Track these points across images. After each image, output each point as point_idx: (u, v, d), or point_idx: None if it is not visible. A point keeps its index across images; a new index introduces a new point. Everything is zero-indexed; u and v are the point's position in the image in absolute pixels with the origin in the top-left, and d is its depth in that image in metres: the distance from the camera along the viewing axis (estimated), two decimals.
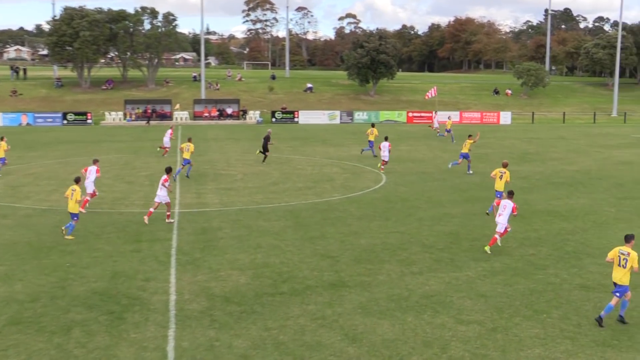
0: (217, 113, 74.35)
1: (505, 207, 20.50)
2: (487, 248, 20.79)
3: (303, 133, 61.45)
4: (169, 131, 44.41)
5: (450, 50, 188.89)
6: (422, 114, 77.82)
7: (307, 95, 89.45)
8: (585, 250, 21.26)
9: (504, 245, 21.62)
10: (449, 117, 60.23)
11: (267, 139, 40.38)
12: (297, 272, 18.57)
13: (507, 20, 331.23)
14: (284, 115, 74.88)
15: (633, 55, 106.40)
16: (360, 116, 76.38)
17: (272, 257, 20.05)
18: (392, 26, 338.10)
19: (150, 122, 70.74)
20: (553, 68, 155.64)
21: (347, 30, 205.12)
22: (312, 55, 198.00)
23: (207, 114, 74.11)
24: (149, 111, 72.30)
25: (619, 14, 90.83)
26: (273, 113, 75.10)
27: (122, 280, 17.73)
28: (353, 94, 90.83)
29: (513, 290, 17.21)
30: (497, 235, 20.83)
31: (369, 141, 44.03)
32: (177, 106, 73.59)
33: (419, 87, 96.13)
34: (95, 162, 27.72)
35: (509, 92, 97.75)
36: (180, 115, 73.40)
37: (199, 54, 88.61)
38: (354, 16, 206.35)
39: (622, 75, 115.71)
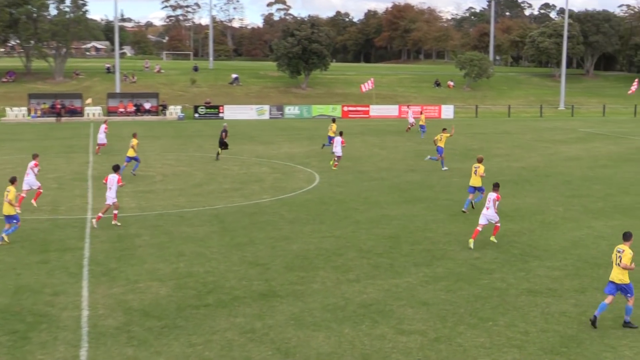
0: (134, 108, 73.32)
1: (491, 200, 22.07)
2: (471, 241, 22.04)
3: (229, 130, 61.09)
4: (103, 126, 44.62)
5: (388, 39, 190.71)
6: (358, 108, 78.43)
7: (233, 89, 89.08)
8: (532, 252, 21.76)
9: (447, 248, 21.97)
10: (421, 112, 61.06)
11: (225, 133, 41.67)
12: (224, 281, 18.47)
13: (449, 7, 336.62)
14: (208, 110, 74.37)
15: (580, 44, 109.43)
16: (291, 111, 76.45)
17: (195, 265, 19.90)
18: (325, 13, 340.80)
19: (62, 118, 69.22)
20: (497, 58, 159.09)
21: (276, 18, 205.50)
22: (239, 44, 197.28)
23: (122, 110, 72.99)
24: (58, 106, 70.75)
25: (565, 0, 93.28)
26: (196, 108, 74.49)
27: (27, 296, 17.31)
28: (283, 87, 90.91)
29: (457, 297, 17.48)
30: (479, 228, 22.20)
31: (329, 136, 45.33)
32: (89, 101, 72.24)
33: (354, 79, 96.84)
34: (35, 157, 28.51)
35: (451, 83, 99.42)
36: (93, 111, 72.01)
37: (112, 43, 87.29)
38: (283, 2, 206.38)
39: (569, 65, 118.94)
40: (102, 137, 44.01)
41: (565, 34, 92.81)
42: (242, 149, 46.82)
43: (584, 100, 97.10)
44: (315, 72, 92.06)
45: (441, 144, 37.92)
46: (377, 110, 78.51)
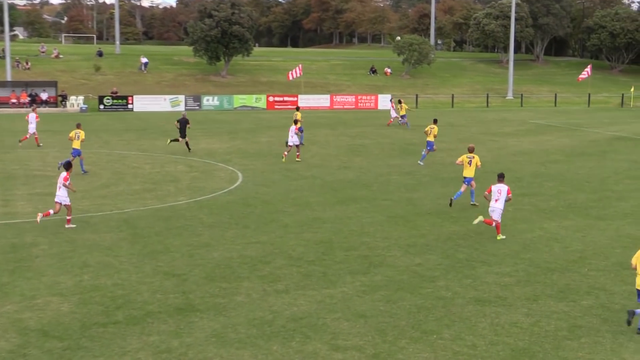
0: (29, 99, 71.92)
1: (500, 191, 23.61)
2: (499, 237, 23.79)
3: (139, 123, 60.48)
4: (32, 115, 45.36)
5: (318, 21, 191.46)
6: (286, 99, 78.51)
7: (143, 76, 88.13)
8: (479, 257, 22.10)
9: (386, 254, 22.15)
10: (400, 101, 61.19)
11: (185, 122, 43.12)
12: (135, 295, 18.27)
13: None
14: (115, 101, 73.45)
15: (529, 27, 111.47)
16: (209, 102, 76.08)
17: (103, 277, 19.63)
18: None
19: None
20: (439, 42, 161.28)
21: None
22: (149, 26, 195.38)
23: (15, 100, 71.56)
24: None
25: None
26: (101, 98, 73.48)
27: None
28: (201, 75, 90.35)
29: (397, 308, 17.63)
30: (494, 222, 23.79)
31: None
32: None
33: (280, 66, 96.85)
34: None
35: (388, 70, 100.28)
36: None
37: (1, 24, 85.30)
38: None
39: (517, 50, 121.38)
40: (32, 128, 45.20)
41: (513, 15, 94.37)
42: (154, 145, 46.37)
43: (534, 88, 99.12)
44: (237, 57, 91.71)
45: (430, 138, 39.08)
46: (306, 100, 78.67)
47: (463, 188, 28.95)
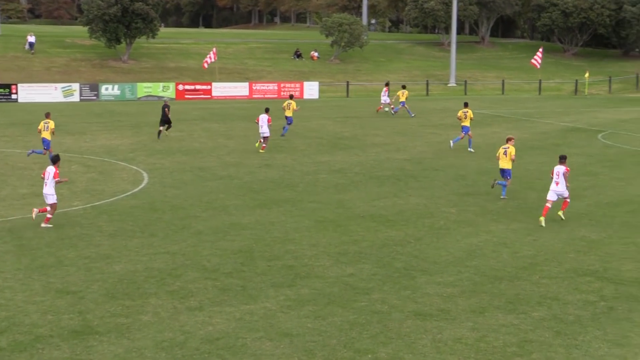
0: None
1: (559, 173, 26.66)
2: (542, 219, 26.62)
3: (25, 116, 59.48)
4: None
5: None
6: (197, 87, 78.21)
7: (29, 61, 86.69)
8: (419, 265, 22.32)
9: (314, 264, 22.22)
10: (403, 86, 63.74)
11: (167, 108, 47.22)
12: (22, 317, 18.01)
13: None
14: None
15: (473, 4, 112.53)
16: (109, 90, 75.32)
17: None
18: None
19: None
20: (373, 22, 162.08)
21: None
22: (35, 3, 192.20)
23: None
24: None
25: None
26: None
27: None
28: (98, 60, 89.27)
29: (327, 325, 17.71)
30: (548, 204, 26.90)
31: (287, 117, 49.25)
32: None
33: (191, 49, 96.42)
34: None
35: (315, 54, 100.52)
36: None
37: None
38: None
39: (460, 31, 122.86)
40: None
41: None
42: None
43: (479, 74, 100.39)
44: (140, 40, 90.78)
45: (467, 122, 43.35)
46: (221, 89, 78.46)
47: (508, 183, 31.54)
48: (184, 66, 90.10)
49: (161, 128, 47.33)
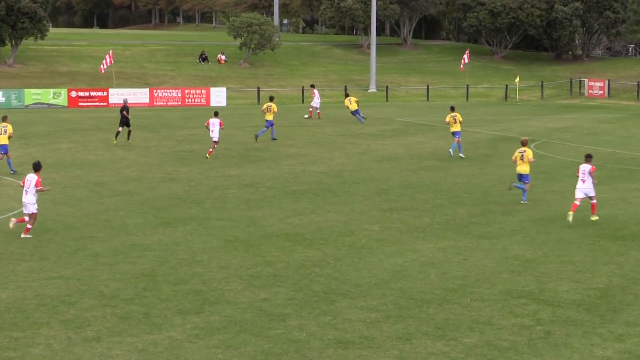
0: None
1: (585, 171, 29.13)
2: (570, 214, 29.02)
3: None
4: None
5: None
6: (92, 93, 77.56)
7: None
8: (340, 288, 22.33)
9: (225, 287, 22.11)
10: (347, 95, 66.65)
11: (126, 110, 49.22)
12: None
13: None
14: None
15: (394, 3, 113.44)
16: None
17: None
18: None
19: None
20: (285, 22, 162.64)
21: None
22: None
23: None
24: None
25: None
26: None
27: None
28: None
29: (240, 355, 17.62)
30: (577, 202, 29.33)
31: (267, 121, 52.30)
32: None
33: (85, 52, 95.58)
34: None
35: (223, 58, 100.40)
36: None
37: None
38: None
39: (380, 32, 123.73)
40: None
41: None
42: None
43: (402, 79, 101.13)
44: (28, 41, 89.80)
45: (457, 127, 45.17)
46: (119, 95, 77.66)
47: (527, 187, 33.35)
48: (77, 70, 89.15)
49: (120, 129, 49.36)
